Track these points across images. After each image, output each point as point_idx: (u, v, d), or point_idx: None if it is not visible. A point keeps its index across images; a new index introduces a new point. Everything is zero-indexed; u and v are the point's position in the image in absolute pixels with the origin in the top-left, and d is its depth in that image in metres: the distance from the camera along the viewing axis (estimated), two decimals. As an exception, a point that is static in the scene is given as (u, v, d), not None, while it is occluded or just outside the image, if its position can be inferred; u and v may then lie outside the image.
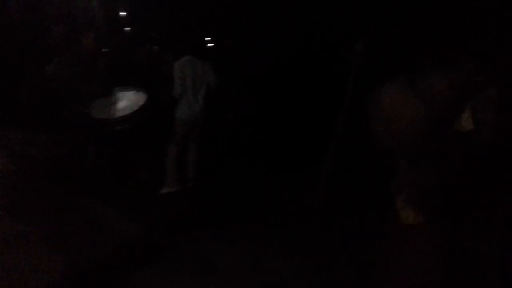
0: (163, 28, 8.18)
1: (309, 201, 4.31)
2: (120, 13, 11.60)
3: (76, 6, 7.32)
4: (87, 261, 2.99)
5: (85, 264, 2.96)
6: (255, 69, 6.39)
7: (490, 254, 3.09)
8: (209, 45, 8.04)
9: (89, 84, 4.48)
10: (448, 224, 3.43)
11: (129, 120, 4.09)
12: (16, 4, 7.38)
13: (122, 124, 4.10)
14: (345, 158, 4.35)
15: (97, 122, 4.14)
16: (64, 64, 4.52)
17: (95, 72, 4.66)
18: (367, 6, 5.52)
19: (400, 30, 5.15)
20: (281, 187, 4.85)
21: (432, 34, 4.89)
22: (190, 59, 4.43)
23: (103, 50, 5.29)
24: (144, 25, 9.60)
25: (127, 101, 4.26)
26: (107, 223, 3.68)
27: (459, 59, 3.41)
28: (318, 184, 4.34)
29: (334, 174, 4.29)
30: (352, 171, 4.64)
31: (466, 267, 2.98)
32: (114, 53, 5.62)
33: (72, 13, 7.27)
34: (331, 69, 4.90)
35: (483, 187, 3.21)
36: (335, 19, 5.41)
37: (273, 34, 6.27)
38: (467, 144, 2.74)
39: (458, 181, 2.99)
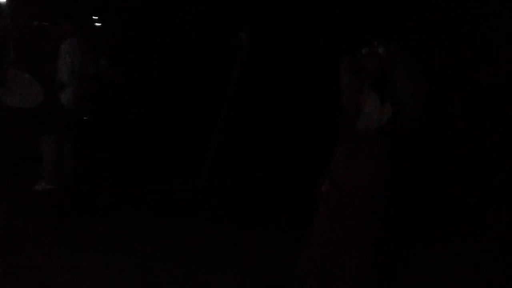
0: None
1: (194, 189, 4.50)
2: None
3: None
4: None
5: None
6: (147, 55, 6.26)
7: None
8: (96, 24, 7.63)
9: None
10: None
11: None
12: None
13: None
14: (231, 147, 4.55)
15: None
16: None
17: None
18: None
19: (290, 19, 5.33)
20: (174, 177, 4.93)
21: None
22: (77, 41, 4.05)
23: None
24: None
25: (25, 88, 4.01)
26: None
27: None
28: (202, 172, 4.52)
29: (219, 163, 4.49)
30: (238, 159, 4.87)
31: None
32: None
33: None
34: (220, 58, 5.03)
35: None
36: (224, 7, 5.50)
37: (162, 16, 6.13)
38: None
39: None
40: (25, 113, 4.11)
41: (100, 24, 7.90)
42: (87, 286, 2.78)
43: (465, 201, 4.12)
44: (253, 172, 4.76)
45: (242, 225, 4.02)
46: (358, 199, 2.35)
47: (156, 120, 5.74)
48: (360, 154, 2.39)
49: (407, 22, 4.51)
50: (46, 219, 3.67)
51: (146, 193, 4.55)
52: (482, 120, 4.36)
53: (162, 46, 5.83)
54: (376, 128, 2.44)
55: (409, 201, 2.53)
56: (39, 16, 5.79)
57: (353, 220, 2.34)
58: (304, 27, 5.34)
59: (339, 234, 2.37)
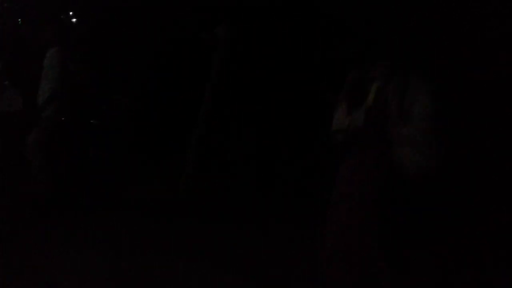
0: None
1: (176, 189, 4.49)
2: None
3: None
4: None
5: None
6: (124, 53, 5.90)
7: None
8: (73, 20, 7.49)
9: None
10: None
11: None
12: None
13: None
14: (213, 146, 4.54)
15: None
16: None
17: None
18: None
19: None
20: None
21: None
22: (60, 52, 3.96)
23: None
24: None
25: None
26: None
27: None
28: (184, 172, 4.48)
29: (200, 162, 4.46)
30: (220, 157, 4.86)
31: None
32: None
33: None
34: (198, 54, 4.89)
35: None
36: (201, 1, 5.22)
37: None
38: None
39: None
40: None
41: (76, 19, 7.81)
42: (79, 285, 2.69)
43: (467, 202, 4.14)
44: (235, 170, 4.78)
45: (225, 223, 4.01)
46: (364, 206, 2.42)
47: (135, 120, 5.65)
48: (361, 164, 2.47)
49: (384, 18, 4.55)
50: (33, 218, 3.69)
51: (128, 192, 4.53)
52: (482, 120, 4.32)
53: (139, 44, 5.75)
54: (345, 136, 2.55)
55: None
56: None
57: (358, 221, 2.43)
58: (286, 22, 5.16)
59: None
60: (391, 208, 2.37)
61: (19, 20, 5.87)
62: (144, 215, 4.02)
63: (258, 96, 4.91)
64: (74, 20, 7.74)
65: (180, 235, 3.62)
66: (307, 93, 4.76)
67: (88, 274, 2.77)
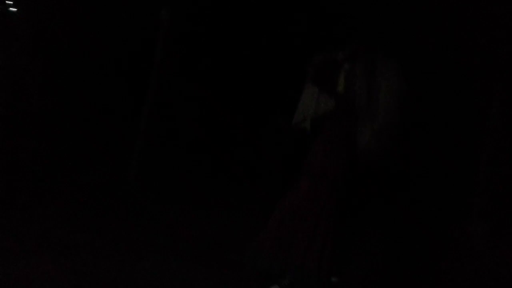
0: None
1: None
2: None
3: None
4: None
5: None
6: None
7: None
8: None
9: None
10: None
11: None
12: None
13: None
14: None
15: None
16: None
17: None
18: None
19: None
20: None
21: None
22: None
23: None
24: None
25: None
26: None
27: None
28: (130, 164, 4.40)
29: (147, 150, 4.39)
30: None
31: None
32: None
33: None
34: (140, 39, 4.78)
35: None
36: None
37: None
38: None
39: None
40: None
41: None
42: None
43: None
44: (182, 156, 4.67)
45: (177, 210, 4.05)
46: (328, 186, 2.50)
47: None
48: (330, 147, 2.56)
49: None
50: None
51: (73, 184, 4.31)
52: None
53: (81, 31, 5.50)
54: (314, 118, 2.65)
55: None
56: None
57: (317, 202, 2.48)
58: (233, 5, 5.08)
59: (298, 212, 2.48)
60: (349, 188, 2.49)
61: None
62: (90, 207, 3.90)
63: (206, 81, 4.78)
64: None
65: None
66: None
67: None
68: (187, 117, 4.57)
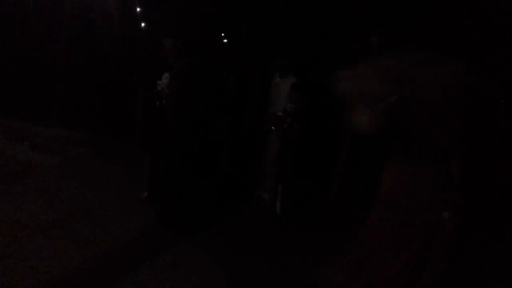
0: None
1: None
2: None
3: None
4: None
5: None
6: None
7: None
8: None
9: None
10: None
11: None
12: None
13: None
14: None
15: None
16: None
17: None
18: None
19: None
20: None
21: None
22: None
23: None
24: None
25: None
26: None
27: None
28: None
29: None
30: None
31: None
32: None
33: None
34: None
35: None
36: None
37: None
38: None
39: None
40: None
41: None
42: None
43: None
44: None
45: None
46: (417, 218, 2.32)
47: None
48: (421, 177, 2.33)
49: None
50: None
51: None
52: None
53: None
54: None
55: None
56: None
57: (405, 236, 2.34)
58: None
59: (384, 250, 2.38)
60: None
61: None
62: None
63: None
64: None
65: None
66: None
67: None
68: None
